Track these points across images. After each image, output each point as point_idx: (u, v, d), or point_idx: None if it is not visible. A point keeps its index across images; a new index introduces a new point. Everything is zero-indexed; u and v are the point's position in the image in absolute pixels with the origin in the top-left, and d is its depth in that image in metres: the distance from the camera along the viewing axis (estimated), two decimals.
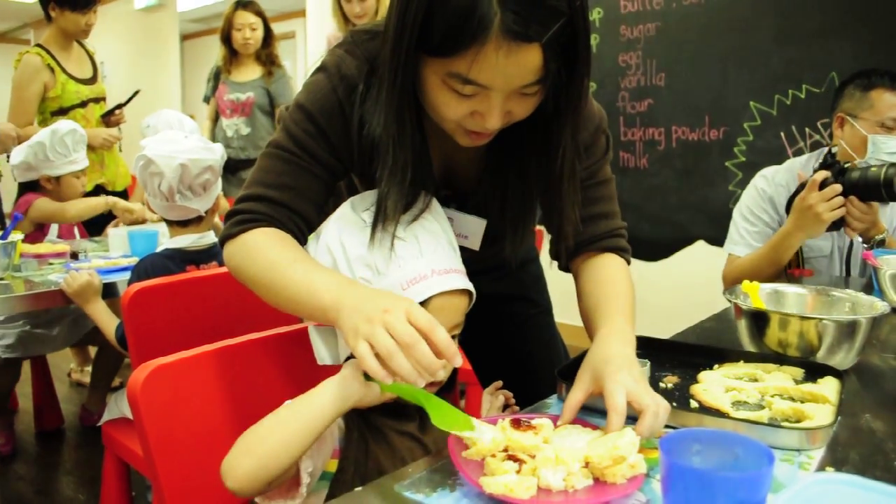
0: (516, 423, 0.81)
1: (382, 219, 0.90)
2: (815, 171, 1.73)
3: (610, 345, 0.91)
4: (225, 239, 0.98)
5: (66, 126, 2.54)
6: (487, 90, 0.82)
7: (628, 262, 1.11)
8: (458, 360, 0.76)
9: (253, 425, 0.80)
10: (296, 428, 0.78)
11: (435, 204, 0.98)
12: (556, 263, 1.15)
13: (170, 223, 1.89)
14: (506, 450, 0.78)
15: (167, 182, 1.76)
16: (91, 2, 3.02)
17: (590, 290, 1.06)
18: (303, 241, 0.99)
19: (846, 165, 1.70)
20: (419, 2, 0.78)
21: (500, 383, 1.14)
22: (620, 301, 1.02)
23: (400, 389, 0.79)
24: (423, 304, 0.87)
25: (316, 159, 0.98)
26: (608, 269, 1.08)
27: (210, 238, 1.88)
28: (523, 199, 1.02)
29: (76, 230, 2.85)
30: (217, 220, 2.02)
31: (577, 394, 0.86)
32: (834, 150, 1.75)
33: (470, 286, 0.93)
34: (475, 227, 1.05)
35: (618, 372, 0.83)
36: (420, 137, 0.94)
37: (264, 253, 0.93)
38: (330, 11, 3.12)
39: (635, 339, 0.95)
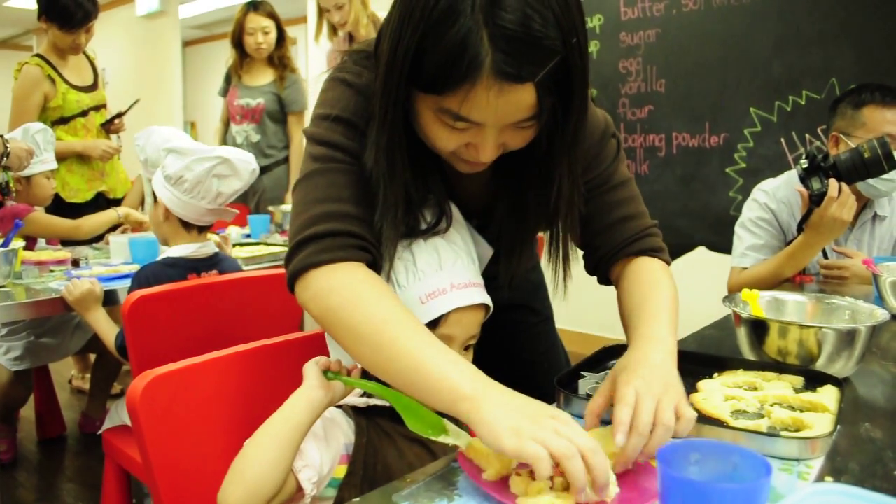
0: None
1: (381, 251, 0.89)
2: (802, 178, 1.75)
3: (636, 350, 0.88)
4: (308, 267, 0.85)
5: (36, 125, 2.53)
6: (480, 125, 0.80)
7: (668, 262, 1.06)
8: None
9: (240, 452, 0.82)
10: (275, 447, 0.80)
11: (458, 215, 0.98)
12: (554, 269, 1.12)
13: (171, 228, 1.83)
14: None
15: (233, 184, 1.73)
16: (77, 24, 2.97)
17: (626, 297, 1.02)
18: (379, 262, 0.91)
19: (831, 161, 1.72)
20: (410, 38, 0.76)
21: None
22: (653, 305, 0.95)
23: (365, 385, 0.83)
24: (441, 318, 0.89)
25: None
26: (644, 273, 1.02)
27: (211, 247, 1.87)
28: (520, 227, 1.00)
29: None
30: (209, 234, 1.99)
31: (598, 399, 0.84)
32: (814, 150, 1.75)
33: (488, 300, 0.94)
34: (482, 256, 1.03)
35: (633, 377, 0.80)
36: (437, 165, 0.93)
37: (365, 306, 0.82)
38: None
39: (674, 344, 0.88)
